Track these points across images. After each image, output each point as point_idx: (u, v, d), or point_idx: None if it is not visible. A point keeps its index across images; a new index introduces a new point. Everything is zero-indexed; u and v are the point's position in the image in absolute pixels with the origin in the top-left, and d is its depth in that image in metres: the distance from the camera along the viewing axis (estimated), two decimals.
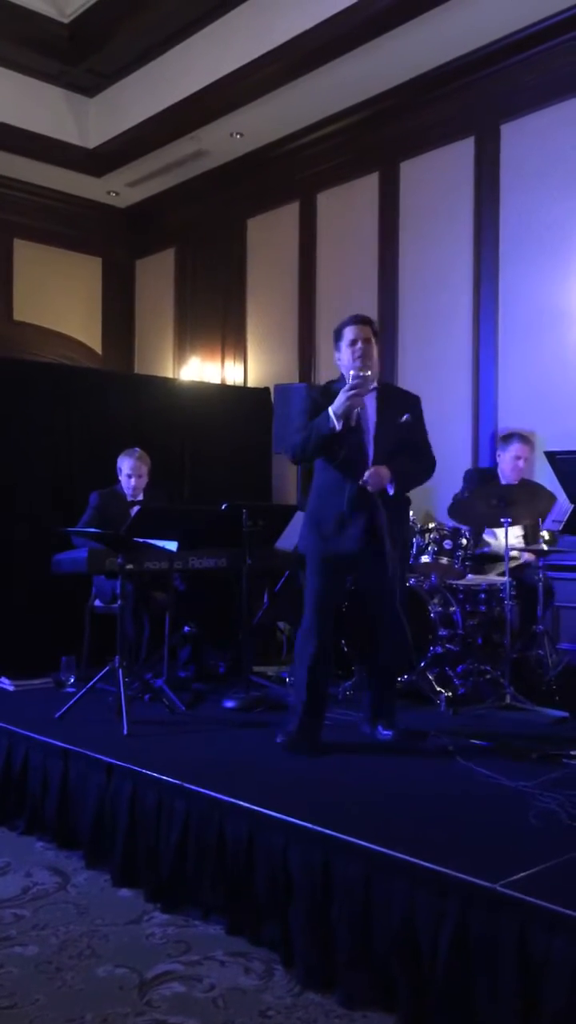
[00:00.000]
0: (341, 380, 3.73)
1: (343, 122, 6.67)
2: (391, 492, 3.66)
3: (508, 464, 5.19)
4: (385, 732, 3.81)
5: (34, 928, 2.83)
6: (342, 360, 3.76)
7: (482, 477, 5.29)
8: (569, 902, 2.08)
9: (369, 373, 3.62)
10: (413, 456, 3.79)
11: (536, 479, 5.29)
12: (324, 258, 7.04)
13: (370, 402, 3.71)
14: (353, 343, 3.69)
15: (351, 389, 3.56)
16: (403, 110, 6.36)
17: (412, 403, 3.85)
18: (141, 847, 3.15)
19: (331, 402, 3.62)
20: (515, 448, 5.18)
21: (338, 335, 3.78)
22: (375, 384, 3.75)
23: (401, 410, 3.74)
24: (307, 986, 2.47)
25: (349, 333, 3.72)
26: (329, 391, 3.74)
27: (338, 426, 3.60)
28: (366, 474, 3.61)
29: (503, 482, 5.16)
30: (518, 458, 5.17)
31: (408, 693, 4.54)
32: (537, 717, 4.25)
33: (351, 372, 3.61)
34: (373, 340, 3.75)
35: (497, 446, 5.41)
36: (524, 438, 5.24)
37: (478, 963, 2.18)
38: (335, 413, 3.59)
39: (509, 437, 5.29)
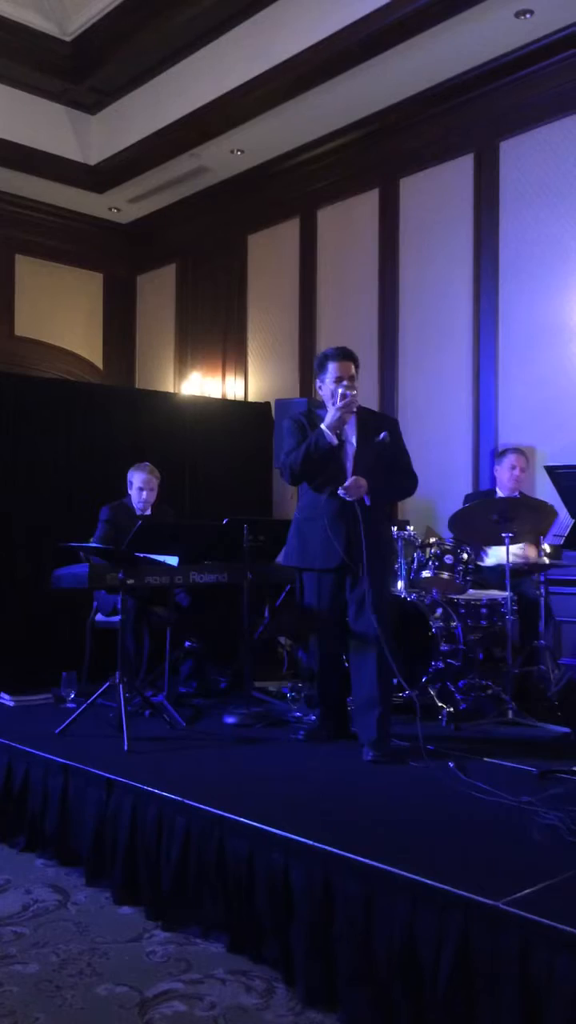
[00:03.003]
0: (323, 408, 4.00)
1: (343, 139, 6.71)
2: (368, 502, 3.86)
3: (506, 474, 5.23)
4: (368, 753, 3.75)
5: (34, 946, 2.81)
6: (324, 389, 4.01)
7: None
8: (572, 920, 2.07)
9: (356, 392, 3.87)
10: (391, 472, 3.99)
11: (536, 494, 5.30)
12: (324, 274, 7.07)
13: (350, 427, 3.97)
14: (339, 380, 3.92)
15: (343, 404, 3.82)
16: (403, 127, 6.40)
17: (389, 423, 4.12)
18: (142, 864, 3.14)
19: (316, 427, 3.91)
20: (511, 459, 5.23)
21: (322, 367, 4.01)
22: (354, 413, 3.98)
23: (378, 430, 3.93)
24: (309, 1005, 2.46)
25: (334, 370, 3.95)
26: (313, 417, 4.01)
27: (335, 440, 3.86)
28: (346, 482, 3.83)
29: (503, 495, 5.18)
30: (514, 467, 5.22)
31: (409, 708, 4.53)
32: (539, 733, 4.24)
33: (340, 390, 3.85)
34: (355, 375, 3.98)
35: (495, 463, 5.43)
36: (519, 450, 5.29)
37: (480, 981, 2.16)
38: (329, 427, 3.85)
39: (504, 451, 5.35)
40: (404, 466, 4.08)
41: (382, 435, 3.88)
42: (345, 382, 3.89)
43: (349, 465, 3.94)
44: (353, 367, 3.98)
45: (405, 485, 4.12)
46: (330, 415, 3.87)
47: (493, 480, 5.51)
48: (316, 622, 4.09)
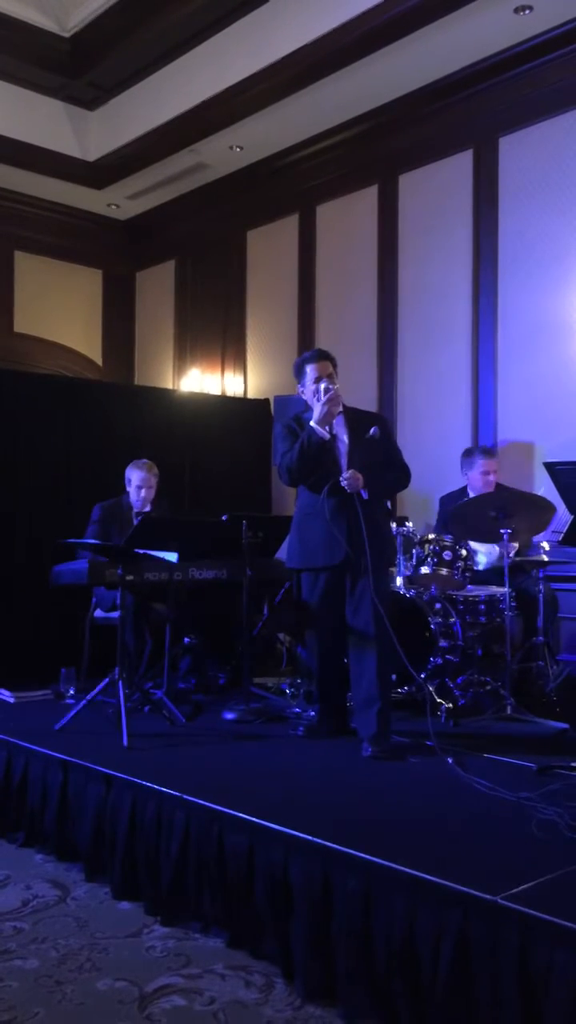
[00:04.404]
0: (309, 411, 4.05)
1: (342, 135, 6.71)
2: (365, 496, 3.91)
3: (479, 480, 5.21)
4: (367, 749, 3.75)
5: (34, 941, 2.82)
6: (307, 392, 4.08)
7: (459, 498, 5.27)
8: (570, 915, 2.07)
9: (338, 386, 3.96)
10: (385, 468, 4.06)
11: (535, 491, 5.30)
12: (324, 269, 7.06)
13: (340, 425, 4.03)
14: (317, 380, 4.01)
15: (327, 398, 3.90)
16: (402, 123, 6.39)
17: (379, 420, 4.15)
18: (141, 860, 3.15)
19: (304, 429, 3.97)
20: (480, 464, 5.21)
21: (300, 371, 4.11)
22: (340, 407, 4.02)
23: (368, 426, 3.98)
24: (308, 1000, 2.46)
25: (312, 371, 4.05)
26: (302, 421, 4.05)
27: (326, 435, 3.92)
28: (345, 475, 3.89)
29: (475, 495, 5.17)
30: (486, 473, 5.19)
31: (408, 704, 4.54)
32: (538, 728, 4.24)
33: (322, 386, 3.94)
34: (333, 373, 4.07)
35: (462, 464, 5.38)
36: (486, 451, 5.27)
37: (479, 976, 2.17)
38: (318, 423, 3.92)
39: (470, 453, 5.31)
40: (397, 461, 4.15)
41: (372, 430, 3.94)
42: (325, 380, 3.98)
43: (343, 462, 3.99)
44: (331, 366, 4.07)
45: (399, 479, 4.19)
46: (317, 411, 3.94)
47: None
48: (314, 619, 4.10)
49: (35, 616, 5.64)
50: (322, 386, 3.94)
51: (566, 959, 2.02)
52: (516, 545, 4.79)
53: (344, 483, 3.88)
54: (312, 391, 4.01)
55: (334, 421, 3.99)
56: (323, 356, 4.09)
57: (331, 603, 4.02)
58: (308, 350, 4.32)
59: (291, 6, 5.87)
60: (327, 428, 3.94)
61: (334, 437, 3.98)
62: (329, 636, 4.09)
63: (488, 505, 4.56)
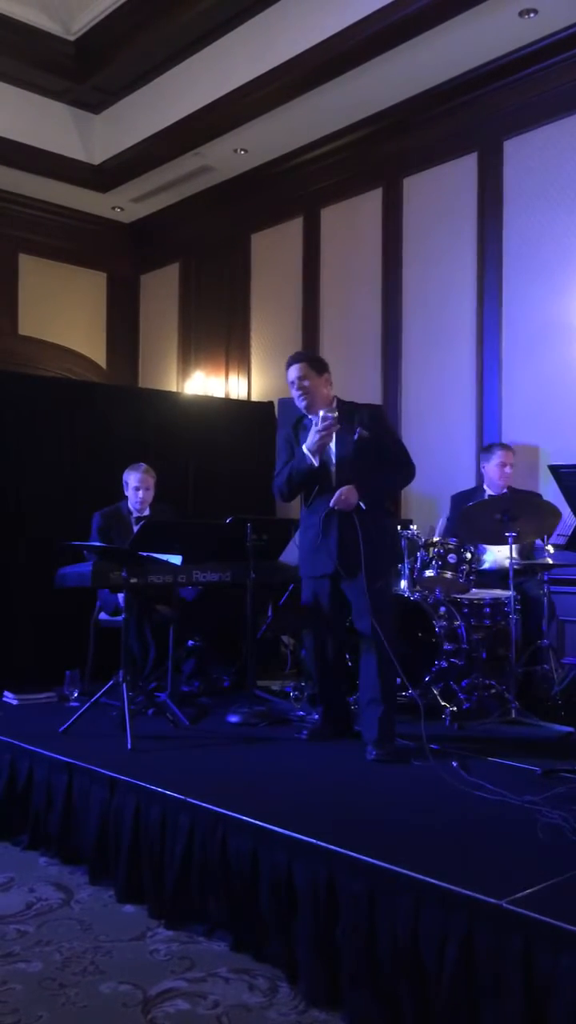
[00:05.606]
0: (307, 416, 4.01)
1: (347, 138, 6.71)
2: (364, 507, 3.85)
3: (495, 472, 5.22)
4: (371, 752, 3.75)
5: (37, 944, 2.82)
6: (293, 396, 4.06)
7: (471, 497, 5.28)
8: (575, 919, 2.07)
9: (337, 414, 3.85)
10: (383, 464, 3.98)
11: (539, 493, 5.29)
12: (328, 273, 7.07)
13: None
14: (292, 384, 3.98)
15: (322, 428, 3.83)
16: (406, 126, 6.39)
17: (370, 414, 4.03)
18: (145, 863, 3.14)
19: (299, 436, 3.96)
20: (500, 455, 5.22)
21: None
22: (333, 437, 3.95)
23: (358, 423, 3.93)
24: (312, 1004, 2.46)
25: (288, 375, 4.02)
26: (300, 427, 4.04)
27: (315, 462, 3.88)
28: (334, 497, 3.83)
29: (493, 493, 5.17)
30: (504, 465, 5.20)
31: (413, 707, 4.53)
32: (542, 732, 4.24)
33: (321, 414, 3.84)
34: (312, 375, 3.97)
35: (480, 459, 5.40)
36: (506, 446, 5.30)
37: (483, 980, 2.16)
38: (309, 451, 3.89)
39: (490, 447, 5.34)
40: (394, 456, 4.04)
41: (356, 433, 3.89)
42: (297, 390, 3.96)
43: (332, 470, 3.94)
44: (308, 369, 3.98)
45: (400, 475, 4.13)
46: (311, 439, 3.88)
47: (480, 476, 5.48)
48: (313, 623, 4.09)
49: (39, 619, 5.64)
50: (321, 414, 3.84)
51: (571, 963, 2.01)
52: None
53: (336, 507, 3.84)
54: (295, 395, 3.99)
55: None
56: (295, 359, 4.02)
57: (332, 608, 4.01)
58: (319, 352, 4.27)
59: (296, 9, 5.88)
60: (318, 456, 3.89)
61: (327, 459, 3.93)
62: (330, 640, 4.09)
63: (494, 508, 4.55)
